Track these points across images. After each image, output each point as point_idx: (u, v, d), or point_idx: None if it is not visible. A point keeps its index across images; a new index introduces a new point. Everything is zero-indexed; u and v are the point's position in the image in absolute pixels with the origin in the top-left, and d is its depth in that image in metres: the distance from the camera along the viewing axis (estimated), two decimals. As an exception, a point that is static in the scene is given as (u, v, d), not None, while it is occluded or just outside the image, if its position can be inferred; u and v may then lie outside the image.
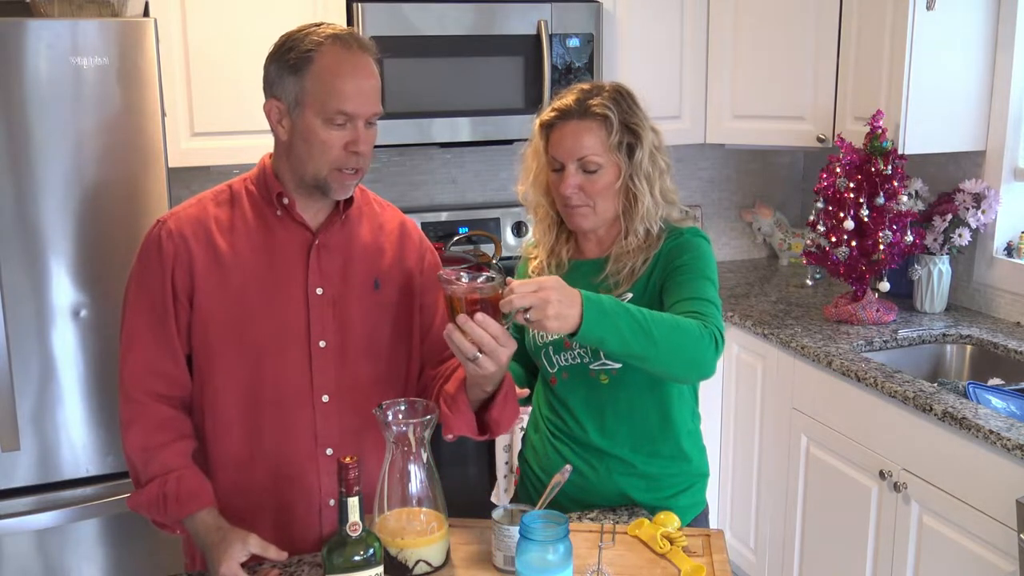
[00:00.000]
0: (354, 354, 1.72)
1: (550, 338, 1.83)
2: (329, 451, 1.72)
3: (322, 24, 1.65)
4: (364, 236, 1.76)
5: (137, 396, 1.68)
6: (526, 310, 1.50)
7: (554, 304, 1.51)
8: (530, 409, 2.02)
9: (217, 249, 1.67)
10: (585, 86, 1.83)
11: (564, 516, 1.47)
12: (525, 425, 2.03)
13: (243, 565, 1.55)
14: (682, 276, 1.77)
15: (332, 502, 1.73)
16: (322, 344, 1.70)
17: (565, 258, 1.90)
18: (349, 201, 1.73)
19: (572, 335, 1.55)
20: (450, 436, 1.66)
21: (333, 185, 1.65)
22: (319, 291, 1.70)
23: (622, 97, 1.81)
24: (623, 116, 1.78)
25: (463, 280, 1.53)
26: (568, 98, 1.80)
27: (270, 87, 1.64)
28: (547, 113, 1.82)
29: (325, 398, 1.71)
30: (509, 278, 1.56)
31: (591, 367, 1.81)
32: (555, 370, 1.85)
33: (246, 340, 1.67)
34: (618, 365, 1.79)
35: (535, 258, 1.94)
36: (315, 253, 1.70)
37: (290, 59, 1.60)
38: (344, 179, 1.65)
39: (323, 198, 1.69)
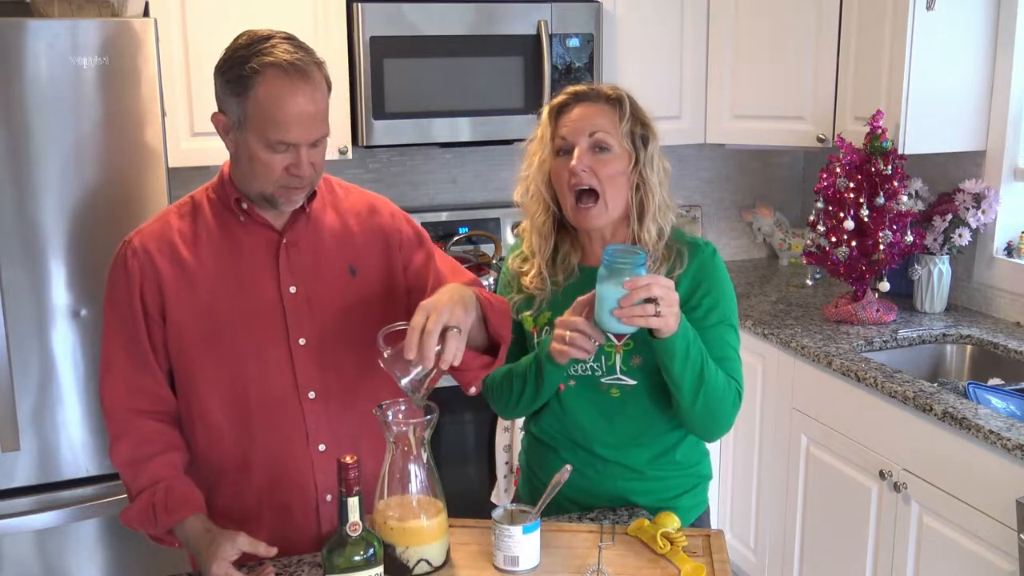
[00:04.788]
0: (336, 347, 1.71)
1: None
2: (322, 447, 1.72)
3: (273, 38, 1.58)
4: (331, 225, 1.75)
5: (121, 415, 1.68)
6: (655, 300, 1.56)
7: (677, 307, 1.60)
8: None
9: (183, 262, 1.66)
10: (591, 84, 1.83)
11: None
12: (523, 425, 2.03)
13: (239, 567, 1.55)
14: (709, 325, 1.76)
15: (329, 498, 1.73)
16: (302, 342, 1.69)
17: (575, 263, 1.83)
18: (312, 195, 1.71)
19: (659, 338, 1.62)
20: (473, 389, 1.68)
21: (280, 199, 1.64)
22: (292, 289, 1.69)
23: (629, 95, 1.80)
24: (634, 106, 1.78)
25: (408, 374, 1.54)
26: (579, 86, 1.81)
27: (217, 99, 1.63)
28: (558, 97, 1.80)
29: (312, 395, 1.70)
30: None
31: (602, 380, 1.79)
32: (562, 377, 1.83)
33: (224, 347, 1.67)
34: (633, 382, 1.77)
35: (528, 271, 1.86)
36: (284, 252, 1.69)
37: (231, 79, 1.58)
38: (290, 194, 1.64)
39: (271, 209, 1.69)
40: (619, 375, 1.77)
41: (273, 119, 1.55)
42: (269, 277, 1.69)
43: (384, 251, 1.78)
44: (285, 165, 1.59)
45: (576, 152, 1.74)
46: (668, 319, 1.58)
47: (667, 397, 1.76)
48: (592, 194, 1.74)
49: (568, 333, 1.64)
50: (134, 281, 1.66)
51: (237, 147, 1.62)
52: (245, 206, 1.67)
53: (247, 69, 1.55)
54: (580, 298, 1.67)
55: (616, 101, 1.76)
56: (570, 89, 1.80)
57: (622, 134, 1.75)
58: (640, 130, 1.77)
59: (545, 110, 1.82)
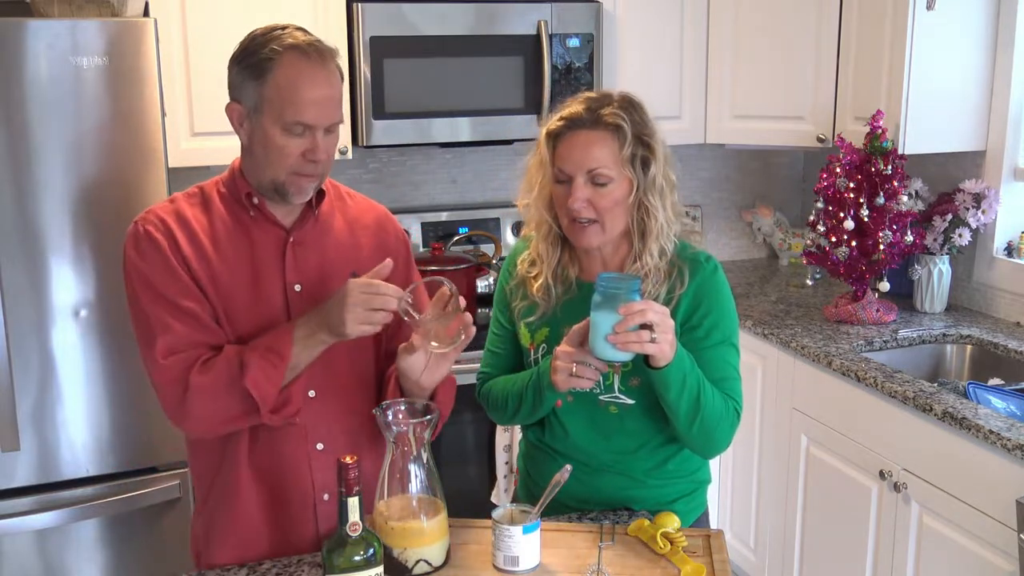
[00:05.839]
0: (337, 348, 1.71)
1: None
2: (320, 446, 1.72)
3: (287, 27, 1.63)
4: (339, 230, 1.76)
5: (189, 362, 1.61)
6: (650, 327, 1.55)
7: (672, 334, 1.60)
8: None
9: (201, 245, 1.66)
10: (593, 94, 1.73)
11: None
12: (522, 430, 2.02)
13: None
14: (709, 346, 1.75)
15: (326, 497, 1.73)
16: None
17: (573, 278, 1.81)
18: (321, 197, 1.72)
19: (655, 367, 1.62)
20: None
21: (290, 189, 1.65)
22: (297, 288, 1.70)
23: (633, 107, 1.71)
24: (636, 128, 1.69)
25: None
26: (577, 107, 1.70)
27: (232, 89, 1.64)
28: (554, 122, 1.72)
29: (312, 393, 1.71)
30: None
31: (600, 397, 1.78)
32: (560, 393, 1.80)
33: (230, 339, 1.66)
34: (631, 401, 1.76)
35: (537, 276, 1.83)
36: (290, 251, 1.70)
37: (250, 64, 1.60)
38: (302, 184, 1.65)
39: (281, 202, 1.68)
40: (617, 394, 1.76)
41: (291, 100, 1.57)
42: (275, 274, 1.69)
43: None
44: (301, 150, 1.61)
45: (574, 189, 1.69)
46: (663, 346, 1.58)
47: (665, 414, 1.74)
48: (591, 220, 1.71)
49: (574, 366, 1.64)
50: (163, 247, 1.63)
51: (252, 135, 1.63)
52: (256, 200, 1.68)
53: (268, 51, 1.58)
54: (575, 327, 1.66)
55: (615, 128, 1.67)
56: (566, 113, 1.71)
57: (622, 161, 1.68)
58: (642, 151, 1.70)
59: (542, 134, 1.75)
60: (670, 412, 1.69)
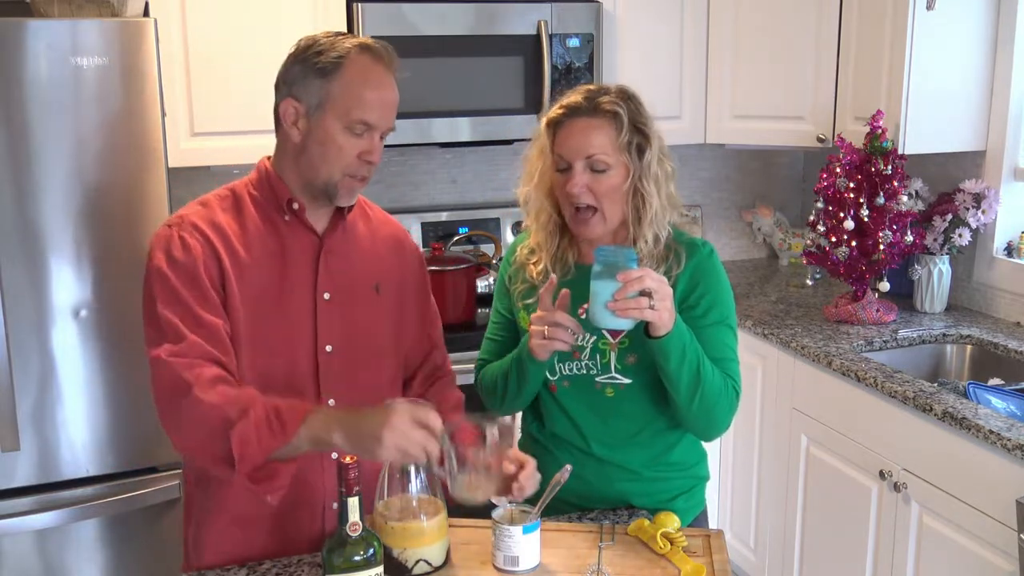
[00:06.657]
0: (359, 357, 1.72)
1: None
2: (334, 454, 1.72)
3: (346, 34, 1.67)
4: (363, 240, 1.78)
5: (194, 369, 1.55)
6: (649, 294, 1.58)
7: (671, 301, 1.62)
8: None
9: (236, 251, 1.65)
10: (591, 87, 1.79)
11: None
12: (521, 426, 2.02)
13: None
14: (707, 324, 1.77)
15: (335, 506, 1.72)
16: (328, 348, 1.70)
17: (572, 262, 1.85)
18: (351, 205, 1.74)
19: (657, 337, 1.64)
20: None
21: (342, 191, 1.66)
22: (326, 296, 1.70)
23: (630, 98, 1.77)
24: (632, 115, 1.74)
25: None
26: (576, 96, 1.76)
27: (289, 86, 1.64)
28: (554, 111, 1.78)
29: (331, 402, 1.71)
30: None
31: (597, 379, 1.80)
32: (556, 378, 1.84)
33: (258, 344, 1.66)
34: (628, 380, 1.77)
35: (536, 263, 1.87)
36: (323, 258, 1.70)
37: (319, 62, 1.61)
38: (354, 185, 1.66)
39: (326, 204, 1.69)
40: (614, 374, 1.76)
41: (359, 98, 1.60)
42: (307, 281, 1.69)
43: (401, 283, 1.82)
44: (358, 151, 1.62)
45: (573, 174, 1.73)
46: (662, 313, 1.60)
47: (662, 396, 1.77)
48: (591, 207, 1.75)
49: (546, 328, 1.66)
50: (196, 255, 1.61)
51: (308, 133, 1.63)
52: (295, 206, 1.68)
53: (341, 49, 1.61)
54: (542, 291, 1.70)
55: (612, 115, 1.73)
56: (565, 102, 1.77)
57: (620, 147, 1.73)
58: (637, 139, 1.75)
59: (542, 123, 1.80)
60: (671, 385, 1.71)
